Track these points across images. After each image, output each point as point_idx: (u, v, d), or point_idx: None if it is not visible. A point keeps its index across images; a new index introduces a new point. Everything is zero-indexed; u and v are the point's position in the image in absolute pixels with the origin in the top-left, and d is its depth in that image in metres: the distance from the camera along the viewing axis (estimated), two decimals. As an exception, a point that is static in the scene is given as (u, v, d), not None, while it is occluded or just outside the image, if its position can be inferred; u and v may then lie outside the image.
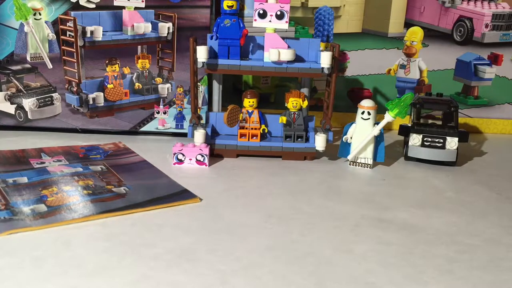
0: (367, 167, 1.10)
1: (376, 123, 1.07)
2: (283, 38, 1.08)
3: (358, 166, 1.10)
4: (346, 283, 0.65)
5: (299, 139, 1.12)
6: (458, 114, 1.15)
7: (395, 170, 1.10)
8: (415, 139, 1.13)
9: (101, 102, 1.22)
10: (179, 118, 1.25)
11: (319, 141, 1.10)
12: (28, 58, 1.21)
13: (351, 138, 1.09)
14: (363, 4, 1.39)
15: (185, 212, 0.84)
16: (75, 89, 1.21)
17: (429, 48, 1.41)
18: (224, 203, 0.88)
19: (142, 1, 1.18)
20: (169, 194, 0.90)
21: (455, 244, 0.77)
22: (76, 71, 1.20)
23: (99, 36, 1.19)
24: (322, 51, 1.08)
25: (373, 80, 1.43)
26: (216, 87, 1.17)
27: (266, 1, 1.06)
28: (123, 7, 1.19)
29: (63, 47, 1.20)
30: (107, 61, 1.21)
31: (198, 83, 1.21)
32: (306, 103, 1.11)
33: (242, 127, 1.12)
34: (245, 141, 1.11)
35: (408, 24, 1.40)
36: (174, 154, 1.05)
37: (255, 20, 1.06)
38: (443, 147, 1.12)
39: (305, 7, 1.38)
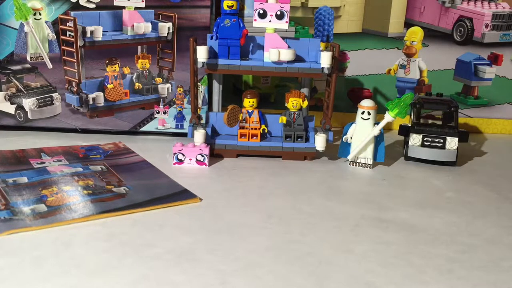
0: (367, 167, 1.10)
1: (376, 123, 1.07)
2: (283, 38, 1.08)
3: (358, 166, 1.10)
4: (346, 283, 0.65)
5: (299, 139, 1.12)
6: (458, 114, 1.15)
7: (395, 170, 1.10)
8: (415, 139, 1.13)
9: (101, 102, 1.22)
10: (179, 118, 1.25)
11: (319, 141, 1.10)
12: (28, 58, 1.21)
13: (351, 138, 1.09)
14: (363, 4, 1.39)
15: (185, 212, 0.84)
16: (75, 89, 1.21)
17: (429, 48, 1.41)
18: (224, 203, 0.88)
19: (142, 1, 1.18)
20: (169, 194, 0.90)
21: (455, 244, 0.77)
22: (76, 71, 1.20)
23: (99, 36, 1.19)
24: (322, 51, 1.08)
25: (373, 80, 1.43)
26: (216, 87, 1.17)
27: (266, 1, 1.06)
28: (123, 7, 1.19)
29: (63, 47, 1.20)
30: (107, 61, 1.21)
31: (198, 83, 1.21)
32: (306, 103, 1.11)
33: (242, 127, 1.12)
34: (245, 141, 1.11)
35: (408, 24, 1.40)
36: (174, 154, 1.05)
37: (255, 20, 1.06)
38: (443, 147, 1.12)
39: (305, 7, 1.38)
